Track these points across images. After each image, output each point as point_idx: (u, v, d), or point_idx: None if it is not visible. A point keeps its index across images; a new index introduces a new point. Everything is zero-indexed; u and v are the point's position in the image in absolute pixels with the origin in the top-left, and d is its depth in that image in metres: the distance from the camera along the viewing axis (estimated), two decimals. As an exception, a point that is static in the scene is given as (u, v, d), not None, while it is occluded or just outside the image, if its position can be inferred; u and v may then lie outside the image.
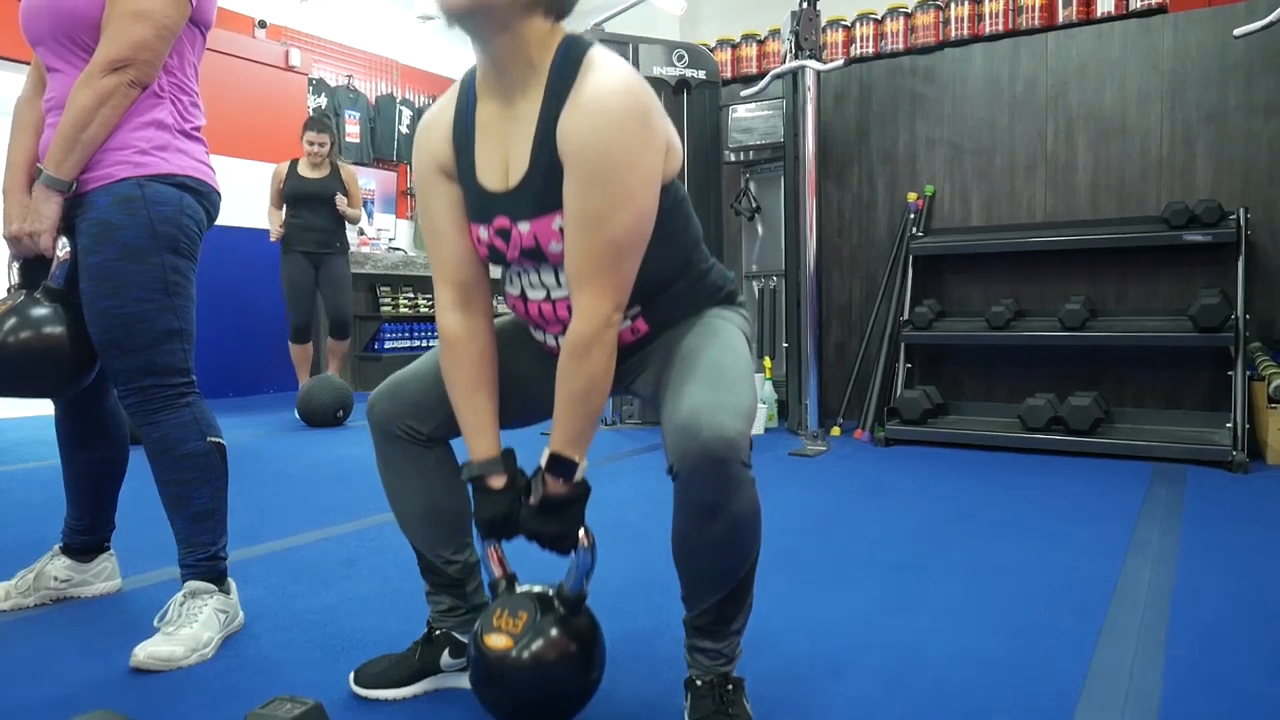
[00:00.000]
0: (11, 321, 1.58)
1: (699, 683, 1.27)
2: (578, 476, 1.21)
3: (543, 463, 1.21)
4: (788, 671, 1.52)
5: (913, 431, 3.81)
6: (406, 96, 9.60)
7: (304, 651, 1.62)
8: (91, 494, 1.85)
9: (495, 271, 1.33)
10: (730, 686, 1.27)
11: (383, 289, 7.07)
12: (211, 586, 1.65)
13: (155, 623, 1.60)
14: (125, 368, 1.58)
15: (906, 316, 4.09)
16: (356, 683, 1.44)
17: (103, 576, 1.91)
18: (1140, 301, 3.86)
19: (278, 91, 6.50)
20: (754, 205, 4.71)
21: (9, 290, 1.67)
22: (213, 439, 1.65)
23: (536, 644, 1.19)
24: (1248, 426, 3.32)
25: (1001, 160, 4.20)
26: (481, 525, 1.29)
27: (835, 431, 4.18)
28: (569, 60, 1.15)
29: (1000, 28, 4.18)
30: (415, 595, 1.63)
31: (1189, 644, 1.62)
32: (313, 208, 4.83)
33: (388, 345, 6.94)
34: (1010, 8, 4.17)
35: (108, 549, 1.92)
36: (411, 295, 7.22)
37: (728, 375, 1.19)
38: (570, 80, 1.14)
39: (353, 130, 9.05)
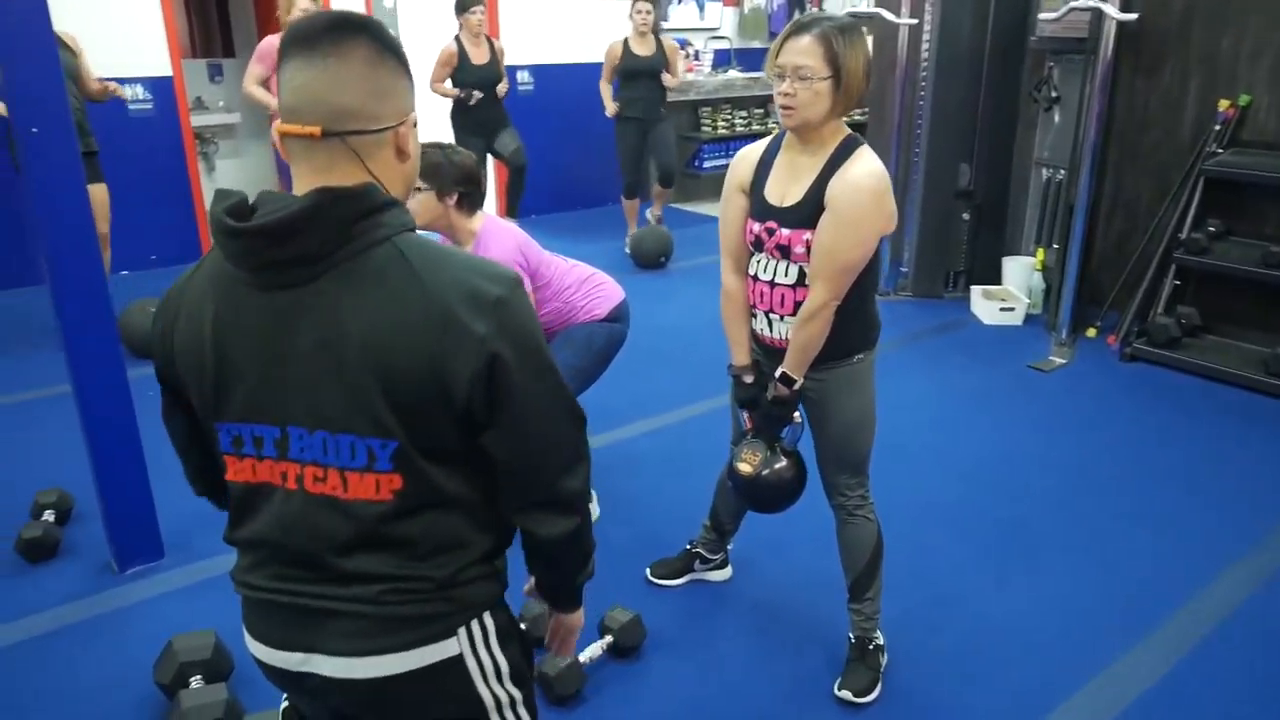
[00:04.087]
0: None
1: (852, 638, 2.20)
2: (796, 387, 1.99)
3: (777, 375, 2.00)
4: (897, 621, 2.41)
5: (1158, 354, 4.12)
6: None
7: (624, 546, 2.73)
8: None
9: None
10: (871, 645, 2.18)
11: (704, 110, 7.75)
12: None
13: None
14: None
15: (1184, 237, 4.19)
16: (651, 574, 2.57)
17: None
18: None
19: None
20: (1054, 95, 4.77)
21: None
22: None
23: (767, 470, 2.07)
24: None
25: (1336, 76, 3.92)
26: (738, 400, 2.13)
27: (1091, 332, 4.53)
28: (847, 149, 1.88)
29: (1370, -77, 3.73)
30: (694, 513, 2.65)
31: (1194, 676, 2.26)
32: (643, 81, 5.58)
33: (706, 164, 7.76)
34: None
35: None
36: (729, 115, 7.83)
37: (849, 444, 2.06)
38: (844, 160, 1.87)
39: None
